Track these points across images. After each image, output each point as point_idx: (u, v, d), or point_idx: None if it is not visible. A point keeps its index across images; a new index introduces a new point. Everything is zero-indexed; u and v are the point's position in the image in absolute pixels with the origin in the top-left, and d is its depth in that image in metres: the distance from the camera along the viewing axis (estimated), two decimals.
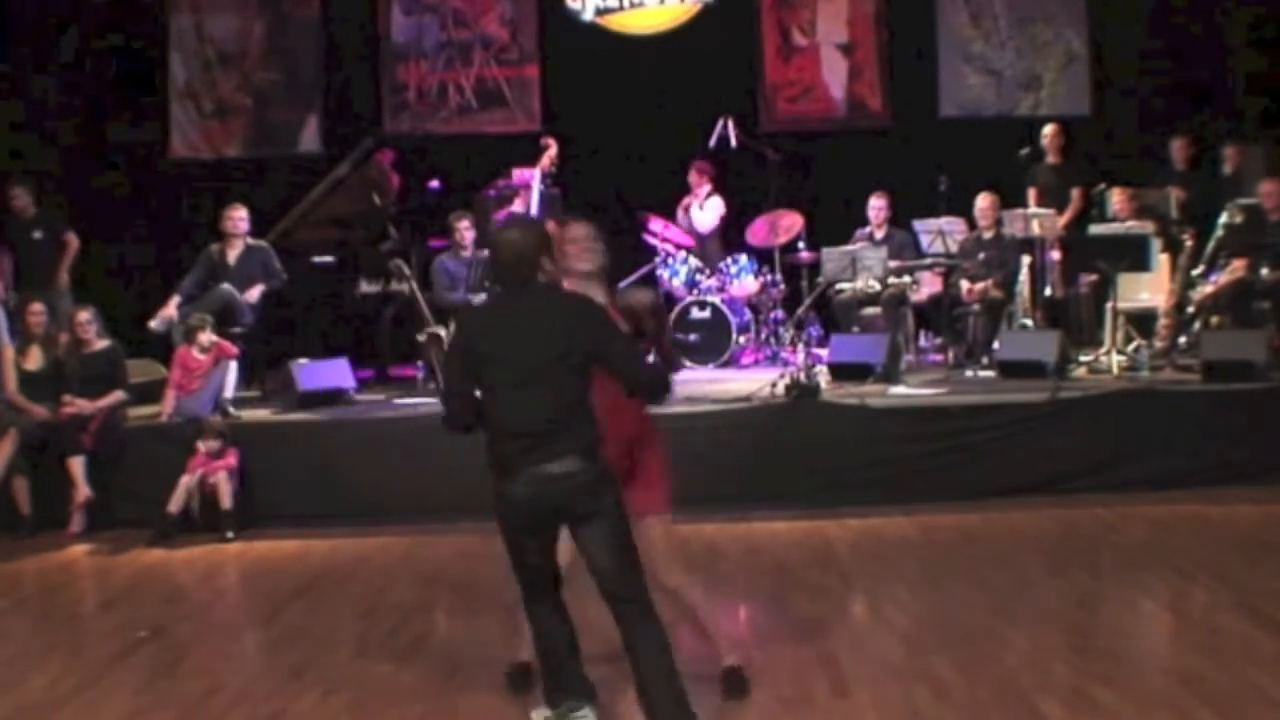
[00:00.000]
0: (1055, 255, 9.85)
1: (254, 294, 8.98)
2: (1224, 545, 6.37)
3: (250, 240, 9.18)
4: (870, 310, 9.57)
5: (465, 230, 9.42)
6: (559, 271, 4.14)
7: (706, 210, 10.49)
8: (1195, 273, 9.13)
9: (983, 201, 9.48)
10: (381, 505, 7.70)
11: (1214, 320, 8.96)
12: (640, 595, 3.96)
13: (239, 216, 9.13)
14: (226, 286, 8.88)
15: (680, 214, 10.55)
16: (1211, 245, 9.11)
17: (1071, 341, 8.91)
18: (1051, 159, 10.22)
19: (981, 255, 9.42)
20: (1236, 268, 8.83)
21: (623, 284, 10.60)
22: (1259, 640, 4.87)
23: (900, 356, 8.98)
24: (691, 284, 10.15)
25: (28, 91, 11.21)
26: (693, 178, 10.53)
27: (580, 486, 3.86)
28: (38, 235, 9.81)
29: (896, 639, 5.10)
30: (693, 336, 9.69)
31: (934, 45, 11.60)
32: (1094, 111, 11.47)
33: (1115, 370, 8.45)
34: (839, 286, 9.63)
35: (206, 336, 8.20)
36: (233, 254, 9.12)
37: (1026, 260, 9.46)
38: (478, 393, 3.96)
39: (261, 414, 8.40)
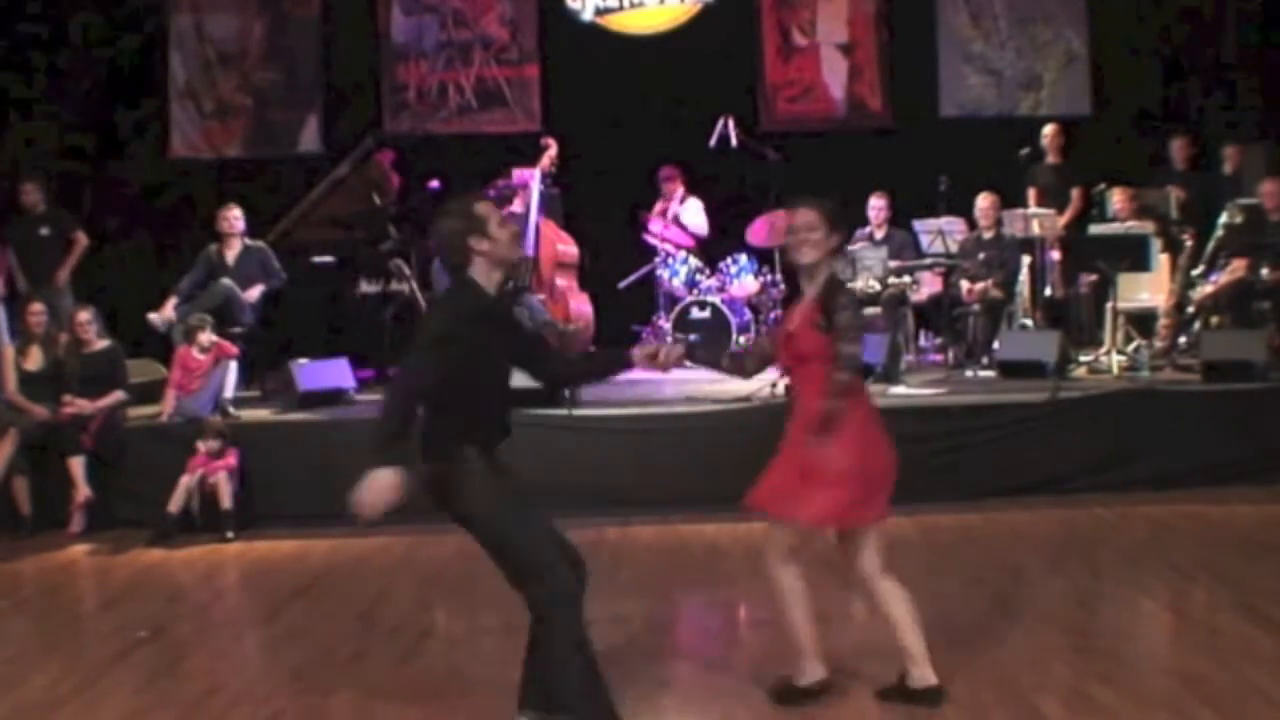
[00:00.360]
0: (1055, 255, 9.86)
1: (254, 294, 8.99)
2: (1224, 545, 6.37)
3: (249, 240, 9.18)
4: (870, 310, 9.55)
5: None
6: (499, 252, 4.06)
7: (692, 212, 10.49)
8: (1195, 273, 9.13)
9: (983, 201, 9.48)
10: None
11: (1214, 320, 8.97)
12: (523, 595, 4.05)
13: (234, 216, 9.14)
14: (226, 282, 8.88)
15: (659, 222, 10.47)
16: (1211, 245, 9.12)
17: (1071, 341, 8.91)
18: (1051, 159, 10.22)
19: (981, 255, 9.42)
20: (1236, 268, 8.83)
21: (622, 284, 10.63)
22: (1259, 640, 4.87)
23: (900, 356, 8.98)
24: (691, 284, 10.15)
25: (30, 91, 11.23)
26: (666, 184, 10.52)
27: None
28: (45, 232, 9.83)
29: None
30: (693, 336, 9.68)
31: (934, 45, 11.61)
32: (1094, 111, 11.47)
33: (1115, 370, 8.45)
34: None
35: (207, 336, 8.20)
36: (231, 254, 9.13)
37: (1026, 260, 9.47)
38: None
39: (261, 414, 8.40)
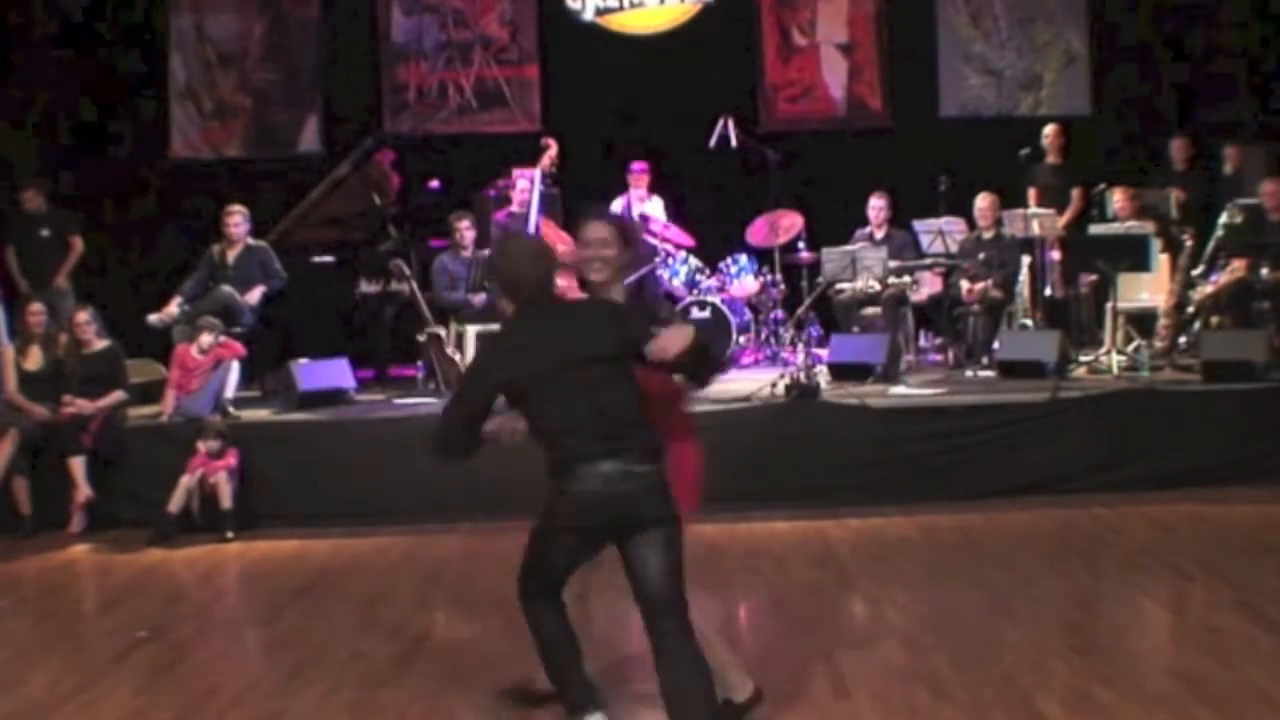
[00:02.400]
0: (1055, 255, 9.86)
1: (254, 295, 8.98)
2: (1224, 545, 6.37)
3: (250, 241, 9.18)
4: (870, 310, 9.57)
5: (465, 230, 9.42)
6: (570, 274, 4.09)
7: (658, 209, 10.51)
8: (1195, 273, 9.13)
9: (983, 201, 9.48)
10: (381, 505, 7.69)
11: (1214, 320, 8.97)
12: (681, 609, 3.87)
13: (237, 219, 9.13)
14: (227, 289, 8.88)
15: (659, 222, 10.44)
16: (1211, 245, 9.12)
17: (1071, 341, 8.91)
18: (1051, 159, 10.22)
19: (981, 255, 9.42)
20: (1236, 268, 8.83)
21: (623, 284, 10.62)
22: (1259, 640, 4.87)
23: (900, 356, 8.98)
24: (691, 284, 10.15)
25: (30, 91, 11.23)
26: (640, 177, 10.50)
27: (650, 488, 3.79)
28: (45, 233, 9.86)
29: (896, 639, 5.09)
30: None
31: (934, 45, 11.61)
32: (1094, 111, 11.48)
33: (1115, 370, 8.45)
34: (839, 286, 9.63)
35: (208, 339, 8.19)
36: (232, 254, 9.13)
37: (1026, 260, 9.47)
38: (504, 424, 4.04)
39: (261, 414, 8.40)
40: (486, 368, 4.08)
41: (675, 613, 3.85)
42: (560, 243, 10.21)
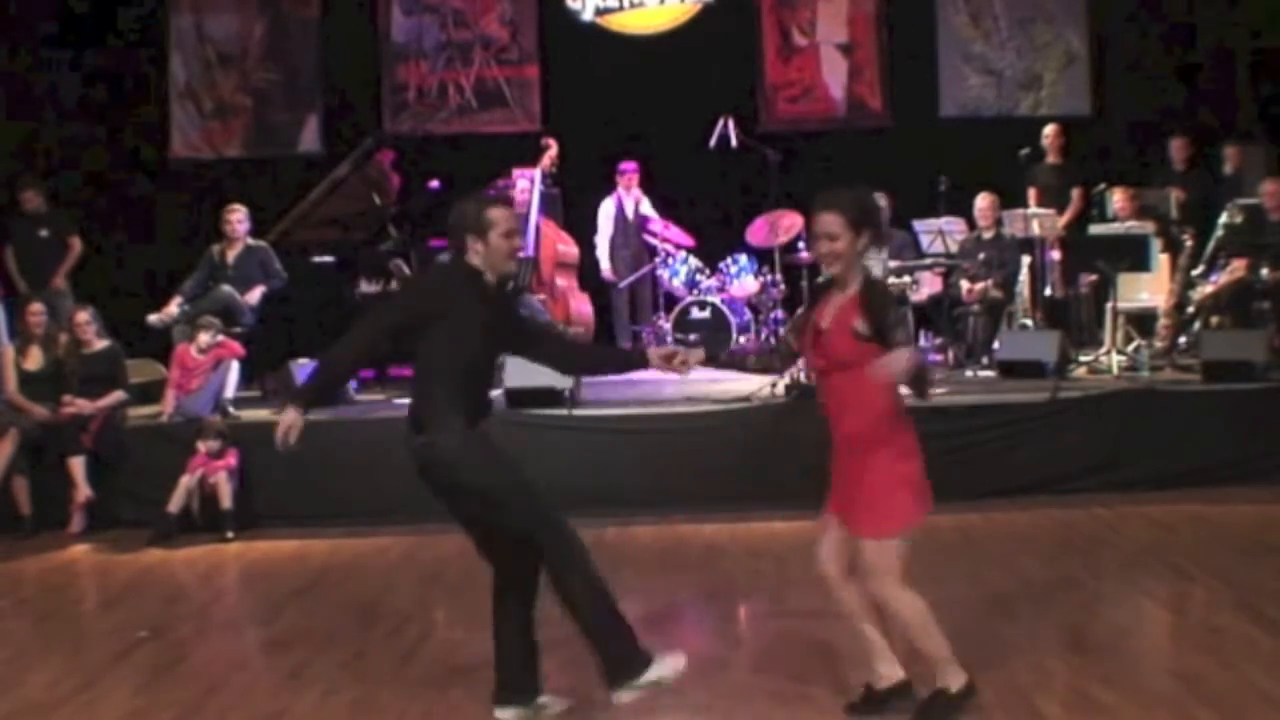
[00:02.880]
0: (1055, 255, 9.86)
1: (254, 296, 8.98)
2: (1224, 545, 6.37)
3: (250, 240, 9.18)
4: None
5: None
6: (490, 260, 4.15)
7: (647, 207, 10.51)
8: (1195, 273, 9.13)
9: (983, 201, 9.48)
10: (381, 505, 7.69)
11: (1214, 320, 8.97)
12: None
13: (238, 218, 9.14)
14: (227, 289, 8.89)
15: (659, 222, 10.44)
16: (1211, 245, 9.12)
17: (1071, 341, 8.91)
18: (1051, 159, 10.22)
19: (981, 255, 9.42)
20: (1236, 268, 8.83)
21: (623, 284, 10.63)
22: (1259, 640, 4.86)
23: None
24: (691, 284, 10.15)
25: (30, 91, 11.23)
26: (630, 177, 10.50)
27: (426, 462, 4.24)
28: (44, 234, 9.87)
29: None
30: (693, 336, 9.68)
31: (934, 45, 11.62)
32: (1094, 111, 11.48)
33: (1115, 370, 8.45)
34: None
35: (207, 338, 8.19)
36: (232, 254, 9.13)
37: (1026, 260, 9.47)
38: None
39: (261, 414, 8.39)
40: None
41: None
42: (560, 242, 10.26)
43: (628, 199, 10.57)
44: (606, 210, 10.64)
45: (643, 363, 4.61)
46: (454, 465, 4.12)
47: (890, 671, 4.25)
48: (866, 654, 4.26)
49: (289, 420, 4.12)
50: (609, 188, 10.75)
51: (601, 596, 4.08)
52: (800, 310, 4.69)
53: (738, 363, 4.94)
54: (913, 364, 3.89)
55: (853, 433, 4.10)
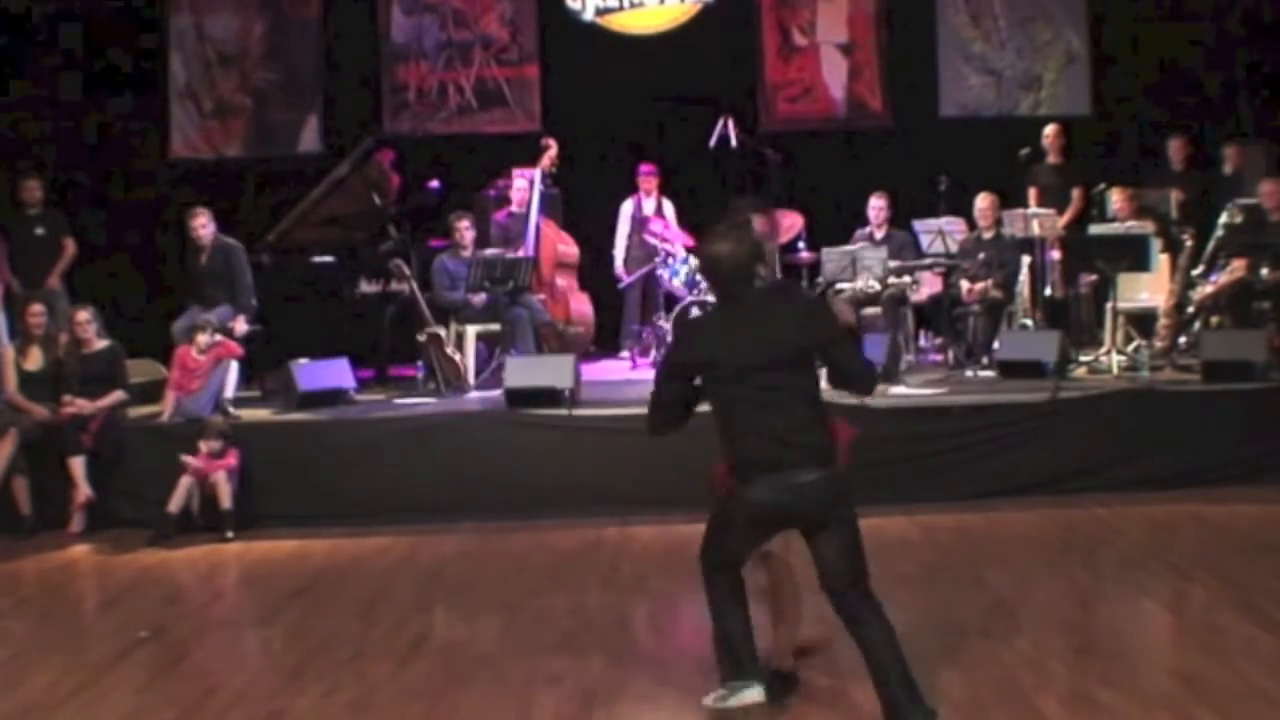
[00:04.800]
0: (1055, 255, 9.85)
1: (239, 326, 8.89)
2: (1224, 545, 6.37)
3: (224, 238, 9.11)
4: (870, 310, 9.56)
5: (465, 230, 9.41)
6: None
7: (669, 211, 10.51)
8: (1195, 273, 9.13)
9: (983, 201, 9.47)
10: (382, 505, 7.69)
11: (1214, 320, 8.97)
12: (861, 585, 4.06)
13: (201, 222, 9.04)
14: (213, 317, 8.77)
15: (660, 222, 10.42)
16: (1211, 245, 9.11)
17: (1071, 341, 8.91)
18: (1051, 159, 10.22)
19: (981, 255, 9.42)
20: (1236, 268, 8.83)
21: (622, 284, 10.63)
22: (1259, 640, 4.87)
23: (900, 356, 8.97)
24: (691, 284, 10.14)
25: (31, 91, 11.25)
26: (650, 180, 10.50)
27: (820, 495, 3.97)
28: (40, 232, 9.85)
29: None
30: None
31: (934, 45, 11.61)
32: (1094, 111, 11.48)
33: (1115, 370, 8.44)
34: (839, 286, 9.63)
35: (206, 338, 8.19)
36: (204, 257, 9.10)
37: (1026, 260, 9.47)
38: (699, 404, 4.20)
39: (261, 414, 8.40)
40: (676, 353, 4.30)
41: (855, 586, 4.04)
42: (560, 242, 10.25)
43: (647, 201, 10.57)
44: (625, 211, 10.65)
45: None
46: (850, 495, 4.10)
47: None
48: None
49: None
50: (613, 188, 10.75)
51: None
52: None
53: None
54: None
55: None
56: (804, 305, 4.29)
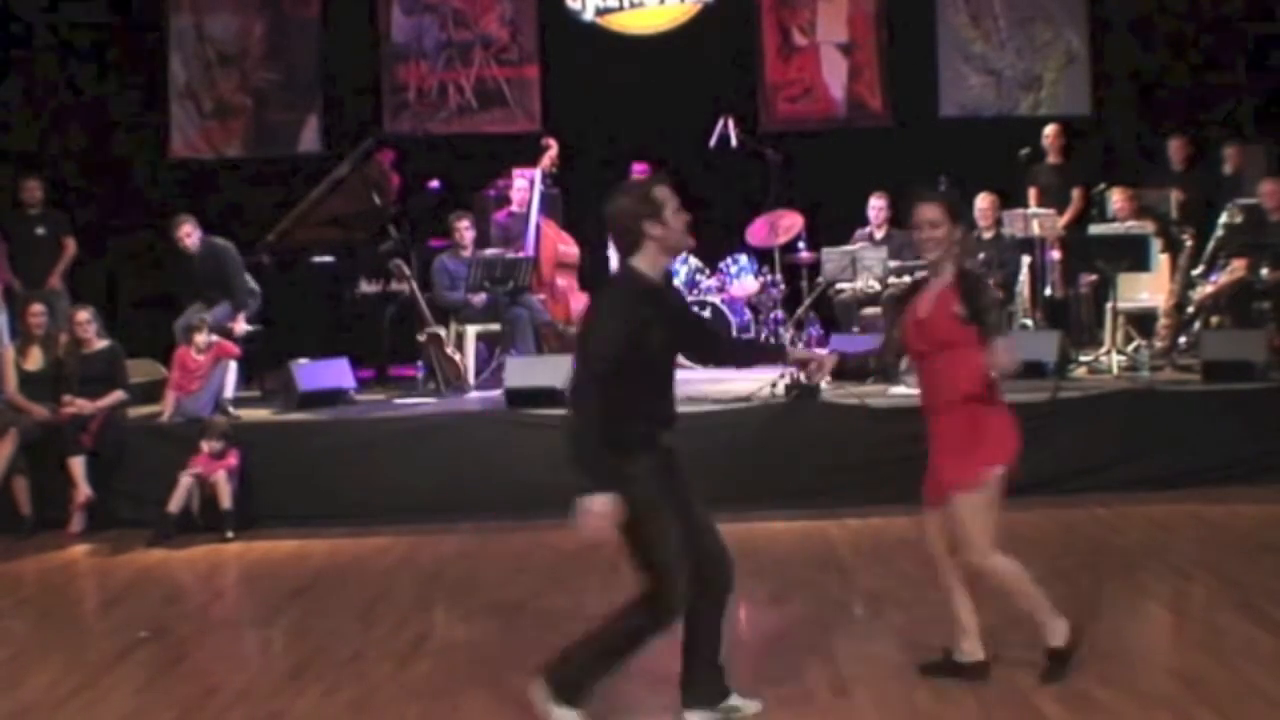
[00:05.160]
0: (1055, 255, 9.85)
1: (239, 325, 8.90)
2: (1224, 545, 6.37)
3: (213, 240, 9.11)
4: (870, 310, 9.57)
5: (465, 230, 9.41)
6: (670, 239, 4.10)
7: None
8: (1195, 273, 9.13)
9: (983, 202, 9.47)
10: (382, 505, 7.70)
11: (1214, 320, 8.97)
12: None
13: (186, 231, 9.03)
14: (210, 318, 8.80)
15: None
16: (1211, 245, 9.11)
17: (1071, 341, 8.91)
18: (1051, 159, 10.22)
19: (981, 255, 9.41)
20: (1236, 268, 8.83)
21: None
22: (1259, 640, 4.86)
23: (901, 356, 8.96)
24: (691, 284, 10.15)
25: (31, 91, 11.25)
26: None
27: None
28: (40, 232, 9.87)
29: (896, 639, 5.10)
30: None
31: (934, 45, 11.62)
32: (1094, 111, 11.48)
33: (1115, 370, 8.44)
34: (839, 286, 9.63)
35: (203, 338, 8.19)
36: (195, 262, 9.10)
37: (1026, 260, 9.47)
38: None
39: (261, 414, 8.40)
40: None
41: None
42: (560, 242, 10.25)
43: None
44: None
45: (780, 358, 5.11)
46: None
47: (973, 649, 4.55)
48: (956, 626, 4.58)
49: None
50: (611, 188, 10.72)
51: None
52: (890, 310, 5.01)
53: (858, 370, 5.17)
54: (1012, 354, 4.42)
55: (951, 403, 4.51)
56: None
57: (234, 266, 9.10)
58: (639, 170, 10.54)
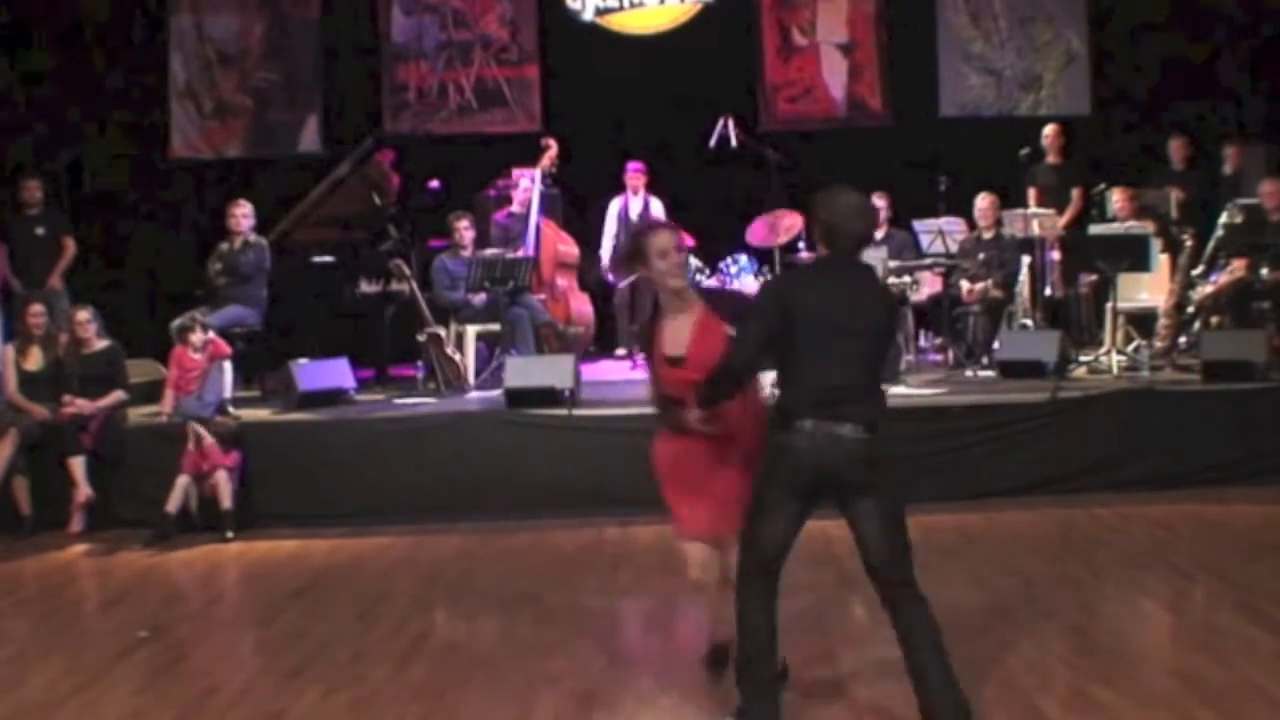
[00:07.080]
0: (1055, 255, 9.86)
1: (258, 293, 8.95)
2: (1224, 545, 6.37)
3: (251, 236, 9.17)
4: None
5: (465, 230, 9.41)
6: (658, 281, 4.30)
7: (658, 209, 10.49)
8: (1195, 273, 9.13)
9: (983, 201, 9.48)
10: (381, 505, 7.70)
11: (1214, 320, 8.97)
12: (908, 579, 4.02)
13: (243, 212, 9.14)
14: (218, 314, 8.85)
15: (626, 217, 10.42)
16: (1211, 245, 9.12)
17: (1071, 341, 8.91)
18: (1051, 159, 10.22)
19: (981, 255, 9.42)
20: (1236, 268, 8.83)
21: (622, 284, 10.62)
22: (1259, 640, 4.87)
23: (900, 356, 8.97)
24: (691, 284, 10.13)
25: (31, 91, 11.25)
26: (634, 179, 10.47)
27: (857, 455, 3.98)
28: (40, 232, 9.88)
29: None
30: None
31: (934, 45, 11.62)
32: (1094, 111, 11.48)
33: (1115, 370, 8.45)
34: None
35: (199, 336, 8.16)
36: (234, 245, 9.13)
37: (1026, 260, 9.47)
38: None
39: (261, 414, 8.40)
40: (769, 302, 4.18)
41: (896, 581, 4.05)
42: (560, 242, 10.25)
43: (634, 200, 10.56)
44: (613, 210, 10.62)
45: None
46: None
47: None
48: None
49: None
50: (612, 188, 10.75)
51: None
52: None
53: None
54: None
55: (738, 438, 4.45)
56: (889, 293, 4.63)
57: (269, 264, 9.15)
58: (634, 170, 10.56)
